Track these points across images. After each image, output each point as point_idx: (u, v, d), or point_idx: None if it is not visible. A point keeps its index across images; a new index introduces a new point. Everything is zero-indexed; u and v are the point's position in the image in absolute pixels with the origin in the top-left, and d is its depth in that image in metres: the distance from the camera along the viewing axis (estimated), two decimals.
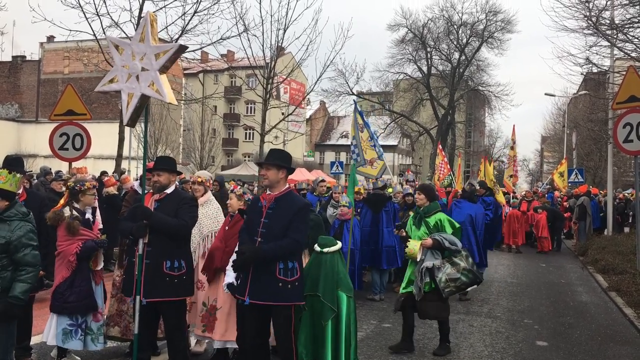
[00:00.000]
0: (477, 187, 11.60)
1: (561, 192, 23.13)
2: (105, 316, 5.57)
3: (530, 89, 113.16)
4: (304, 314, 4.97)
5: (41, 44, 45.62)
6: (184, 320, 5.33)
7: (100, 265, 5.57)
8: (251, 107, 53.13)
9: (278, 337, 4.78)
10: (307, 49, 18.82)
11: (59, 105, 10.92)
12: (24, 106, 45.47)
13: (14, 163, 5.54)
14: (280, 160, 4.81)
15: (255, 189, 16.74)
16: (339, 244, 5.25)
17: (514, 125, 23.94)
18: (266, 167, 4.78)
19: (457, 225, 6.63)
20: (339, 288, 5.03)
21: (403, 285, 6.63)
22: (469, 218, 9.93)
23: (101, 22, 14.69)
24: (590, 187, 21.95)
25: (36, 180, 12.04)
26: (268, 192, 4.83)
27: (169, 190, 5.10)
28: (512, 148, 20.23)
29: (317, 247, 5.17)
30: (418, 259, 6.29)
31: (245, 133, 59.12)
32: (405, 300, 6.49)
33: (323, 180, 11.77)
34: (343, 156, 65.98)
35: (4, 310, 4.14)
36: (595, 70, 17.06)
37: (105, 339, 5.60)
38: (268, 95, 19.17)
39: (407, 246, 6.42)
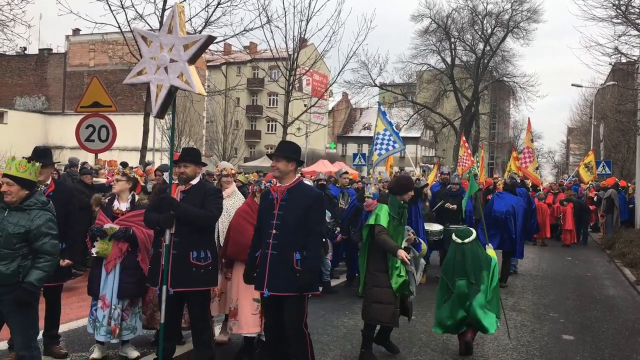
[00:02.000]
0: (518, 180, 11.66)
1: (586, 184, 22.76)
2: (115, 309, 5.45)
3: (556, 79, 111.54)
4: (453, 296, 5.90)
5: (67, 36, 46.18)
6: (209, 310, 5.37)
7: (110, 252, 5.47)
8: (274, 99, 53.28)
9: (291, 326, 4.76)
10: (329, 40, 18.81)
11: (85, 97, 11.07)
12: (51, 98, 46.14)
13: (43, 154, 5.61)
14: (289, 152, 4.85)
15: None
16: (474, 233, 6.17)
17: (529, 119, 23.55)
18: (276, 158, 4.82)
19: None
20: (483, 270, 5.97)
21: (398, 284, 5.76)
22: (511, 209, 10.30)
23: (126, 15, 14.81)
24: (618, 179, 21.55)
25: (63, 172, 12.23)
26: (278, 184, 4.86)
27: (194, 182, 5.13)
28: (532, 141, 20.12)
29: (457, 239, 6.08)
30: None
31: (268, 125, 59.30)
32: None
33: (346, 172, 11.74)
34: (365, 148, 65.50)
35: (19, 296, 4.18)
36: (624, 60, 16.69)
37: (111, 334, 5.41)
38: (291, 87, 19.19)
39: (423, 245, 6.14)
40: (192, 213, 4.91)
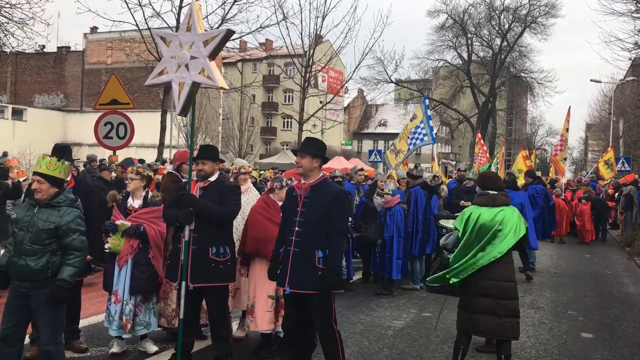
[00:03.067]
0: (517, 176, 11.56)
1: (606, 180, 22.51)
2: (127, 304, 5.49)
3: (574, 75, 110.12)
4: None
5: (85, 34, 46.59)
6: (227, 306, 5.40)
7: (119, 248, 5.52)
8: (289, 96, 53.27)
9: (319, 323, 4.75)
10: (345, 36, 18.86)
11: (103, 94, 11.18)
12: (69, 96, 46.59)
13: (63, 151, 5.69)
14: (315, 148, 4.81)
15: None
16: None
17: (569, 107, 22.89)
18: (301, 155, 4.80)
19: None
20: None
21: None
22: (520, 207, 10.08)
23: (143, 12, 14.93)
24: (638, 176, 21.24)
25: (82, 169, 12.37)
26: (302, 181, 4.84)
27: (212, 179, 5.17)
28: (567, 130, 19.75)
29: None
30: None
31: (284, 122, 59.36)
32: None
33: (362, 169, 11.74)
34: (381, 144, 65.32)
35: (54, 293, 4.27)
36: None
37: (123, 329, 5.46)
38: (306, 84, 19.20)
39: None
40: (211, 209, 4.95)
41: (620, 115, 32.06)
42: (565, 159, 19.66)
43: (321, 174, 4.89)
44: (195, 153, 5.19)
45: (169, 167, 7.18)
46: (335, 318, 4.80)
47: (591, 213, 17.11)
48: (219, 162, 5.34)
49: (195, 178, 5.20)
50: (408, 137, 11.67)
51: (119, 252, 5.51)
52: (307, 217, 4.67)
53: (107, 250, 5.55)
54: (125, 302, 5.49)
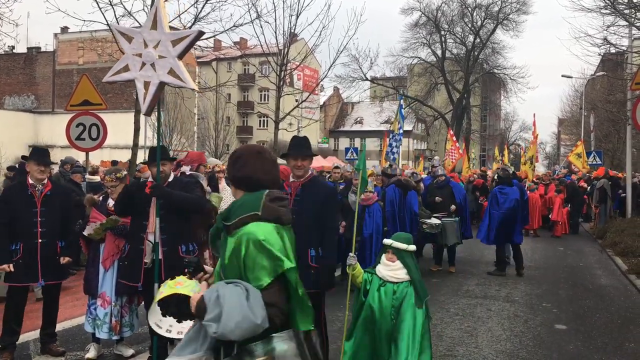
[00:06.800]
0: (510, 172, 11.75)
1: (581, 171, 22.89)
2: (115, 306, 5.47)
3: (547, 71, 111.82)
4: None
5: (55, 35, 45.81)
6: None
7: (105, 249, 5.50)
8: (265, 95, 53.11)
9: None
10: (320, 34, 18.74)
11: (74, 95, 11.01)
12: (40, 97, 45.78)
13: (45, 154, 5.64)
14: (310, 149, 4.87)
15: None
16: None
17: (534, 114, 23.71)
18: (302, 157, 4.81)
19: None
20: None
21: None
22: (516, 203, 10.37)
23: (114, 12, 14.79)
24: (608, 169, 21.65)
25: (56, 171, 12.16)
26: (292, 179, 4.81)
27: (170, 179, 5.29)
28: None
29: (400, 245, 4.37)
30: None
31: (260, 120, 59.19)
32: None
33: (337, 167, 11.82)
34: (357, 142, 65.76)
35: None
36: (613, 50, 16.78)
37: (113, 331, 5.47)
38: (282, 82, 19.13)
39: None
40: (185, 197, 5.05)
41: (591, 109, 32.65)
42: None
43: (310, 172, 4.88)
44: (146, 156, 5.27)
45: (185, 169, 7.14)
46: (324, 317, 4.78)
47: (564, 204, 17.32)
48: (173, 161, 5.51)
49: (150, 179, 5.27)
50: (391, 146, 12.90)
51: (95, 239, 5.50)
52: (299, 216, 4.51)
53: (87, 235, 5.52)
54: (113, 303, 5.47)
